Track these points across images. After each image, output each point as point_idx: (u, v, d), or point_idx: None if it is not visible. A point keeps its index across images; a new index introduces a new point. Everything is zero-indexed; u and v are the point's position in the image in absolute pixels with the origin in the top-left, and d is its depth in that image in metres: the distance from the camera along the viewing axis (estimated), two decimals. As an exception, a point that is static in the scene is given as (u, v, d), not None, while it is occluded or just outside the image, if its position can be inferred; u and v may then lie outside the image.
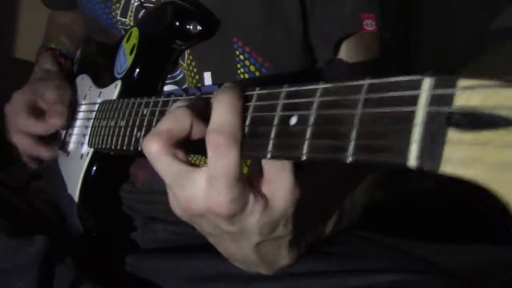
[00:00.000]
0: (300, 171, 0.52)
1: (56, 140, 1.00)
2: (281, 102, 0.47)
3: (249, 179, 0.52)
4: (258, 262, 0.62)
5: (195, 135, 0.52)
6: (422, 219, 0.97)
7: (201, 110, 0.53)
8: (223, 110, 0.48)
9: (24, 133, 0.94)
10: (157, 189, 0.93)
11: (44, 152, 0.95)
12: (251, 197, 0.52)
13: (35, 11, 1.32)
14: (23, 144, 0.95)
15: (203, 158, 0.88)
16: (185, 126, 0.51)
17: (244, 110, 0.50)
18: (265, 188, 0.53)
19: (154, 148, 0.50)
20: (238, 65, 0.83)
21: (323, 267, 0.76)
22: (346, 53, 0.82)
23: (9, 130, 0.97)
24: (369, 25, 0.79)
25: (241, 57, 0.82)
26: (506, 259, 0.74)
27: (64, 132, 1.00)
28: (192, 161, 0.55)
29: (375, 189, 0.86)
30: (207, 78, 0.85)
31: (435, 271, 0.72)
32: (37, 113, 0.94)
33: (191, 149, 0.53)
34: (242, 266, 0.66)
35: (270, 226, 0.55)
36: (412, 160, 0.34)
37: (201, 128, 0.51)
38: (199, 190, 0.51)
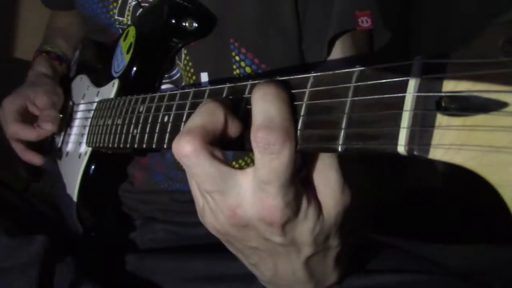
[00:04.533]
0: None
1: (44, 146, 1.03)
2: None
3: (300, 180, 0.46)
4: (306, 280, 0.54)
5: (231, 132, 0.46)
6: (423, 219, 0.96)
7: (232, 107, 0.47)
8: (269, 102, 0.42)
9: (14, 139, 0.97)
10: (155, 189, 0.93)
11: (32, 158, 0.98)
12: (305, 200, 0.46)
13: (35, 11, 1.33)
14: (15, 148, 0.98)
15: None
16: (219, 120, 0.45)
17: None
18: (313, 191, 0.47)
19: (188, 149, 0.43)
20: (234, 66, 0.83)
21: None
22: (339, 51, 0.81)
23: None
24: (364, 22, 0.78)
25: (237, 58, 0.82)
26: (506, 259, 0.73)
27: (62, 133, 1.01)
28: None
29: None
30: (204, 78, 0.84)
31: (442, 271, 0.72)
32: (29, 118, 0.97)
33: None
34: None
35: (323, 235, 0.49)
36: (402, 146, 0.34)
37: (236, 127, 0.46)
38: (245, 196, 0.45)
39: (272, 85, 0.43)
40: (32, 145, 0.99)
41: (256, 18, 0.82)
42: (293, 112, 0.42)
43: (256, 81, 0.48)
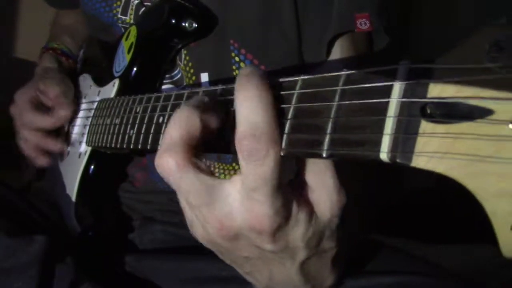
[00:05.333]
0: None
1: (62, 135, 1.00)
2: None
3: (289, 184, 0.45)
4: (302, 284, 0.53)
5: (211, 130, 0.46)
6: (421, 219, 0.95)
7: (213, 102, 0.47)
8: (253, 108, 0.40)
9: (31, 129, 0.94)
10: (155, 189, 0.93)
11: (53, 145, 0.95)
12: (295, 205, 0.44)
13: (35, 11, 1.32)
14: (31, 139, 0.95)
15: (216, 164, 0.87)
16: (195, 126, 0.44)
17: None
18: (307, 195, 0.46)
19: (171, 165, 0.43)
20: (234, 67, 0.82)
21: None
22: (338, 52, 0.80)
23: (16, 131, 0.97)
24: (363, 24, 0.76)
25: (237, 58, 0.82)
26: (506, 259, 0.72)
27: (65, 132, 1.00)
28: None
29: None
30: (204, 78, 0.84)
31: (438, 273, 0.71)
32: (42, 109, 0.95)
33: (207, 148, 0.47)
34: None
35: (316, 238, 0.48)
36: (385, 153, 0.33)
37: (215, 122, 0.45)
38: (234, 206, 0.44)
39: (255, 86, 0.41)
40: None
41: (256, 19, 0.81)
42: (278, 115, 0.41)
43: None
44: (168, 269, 0.84)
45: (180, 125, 0.44)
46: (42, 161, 0.96)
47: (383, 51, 0.82)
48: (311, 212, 0.46)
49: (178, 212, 0.90)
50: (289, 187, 0.44)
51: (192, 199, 0.45)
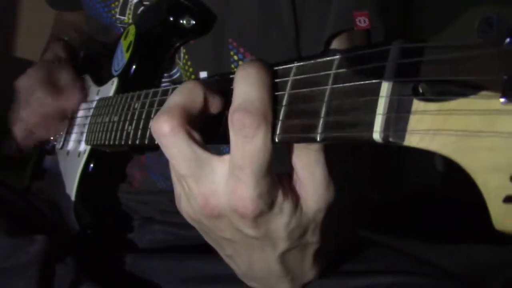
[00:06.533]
0: None
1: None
2: None
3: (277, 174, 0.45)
4: (281, 275, 0.53)
5: (212, 110, 0.46)
6: (421, 219, 0.95)
7: (216, 88, 0.47)
8: (250, 85, 0.41)
9: (35, 110, 0.92)
10: (154, 189, 0.93)
11: (53, 129, 0.94)
12: (280, 194, 0.44)
13: (35, 11, 1.33)
14: (31, 120, 0.92)
15: None
16: (198, 99, 0.45)
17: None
18: (295, 187, 0.46)
19: (166, 128, 0.43)
20: (232, 66, 0.82)
21: None
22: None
23: (18, 103, 0.95)
24: (362, 21, 0.76)
25: (235, 57, 0.82)
26: (505, 259, 0.72)
27: (64, 131, 1.01)
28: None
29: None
30: (203, 77, 0.84)
31: (436, 273, 0.71)
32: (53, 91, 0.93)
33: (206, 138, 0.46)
34: (260, 285, 0.57)
35: (299, 231, 0.47)
36: (377, 133, 0.33)
37: (217, 103, 0.46)
38: (220, 185, 0.44)
39: (255, 65, 0.43)
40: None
41: (254, 18, 0.81)
42: (274, 98, 0.42)
43: None
44: (168, 269, 0.83)
45: (183, 92, 0.45)
46: (28, 143, 0.95)
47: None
48: (296, 203, 0.46)
49: (177, 212, 0.90)
50: (277, 176, 0.44)
51: (181, 167, 0.44)
